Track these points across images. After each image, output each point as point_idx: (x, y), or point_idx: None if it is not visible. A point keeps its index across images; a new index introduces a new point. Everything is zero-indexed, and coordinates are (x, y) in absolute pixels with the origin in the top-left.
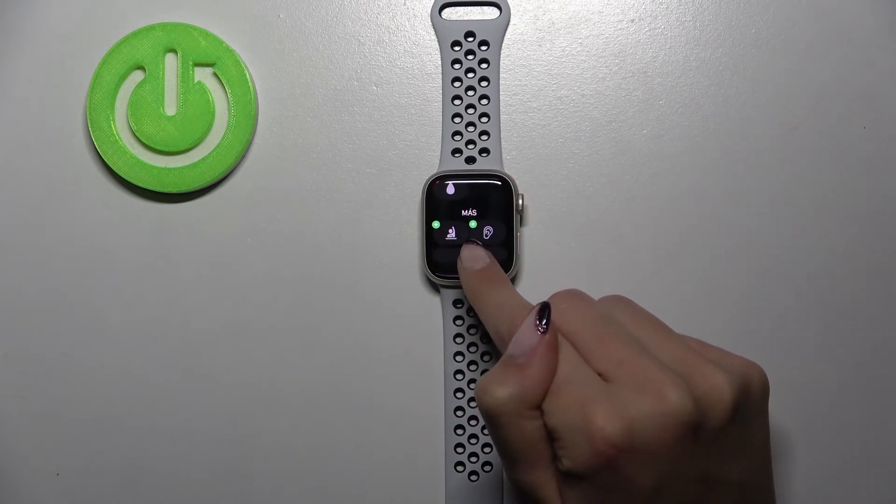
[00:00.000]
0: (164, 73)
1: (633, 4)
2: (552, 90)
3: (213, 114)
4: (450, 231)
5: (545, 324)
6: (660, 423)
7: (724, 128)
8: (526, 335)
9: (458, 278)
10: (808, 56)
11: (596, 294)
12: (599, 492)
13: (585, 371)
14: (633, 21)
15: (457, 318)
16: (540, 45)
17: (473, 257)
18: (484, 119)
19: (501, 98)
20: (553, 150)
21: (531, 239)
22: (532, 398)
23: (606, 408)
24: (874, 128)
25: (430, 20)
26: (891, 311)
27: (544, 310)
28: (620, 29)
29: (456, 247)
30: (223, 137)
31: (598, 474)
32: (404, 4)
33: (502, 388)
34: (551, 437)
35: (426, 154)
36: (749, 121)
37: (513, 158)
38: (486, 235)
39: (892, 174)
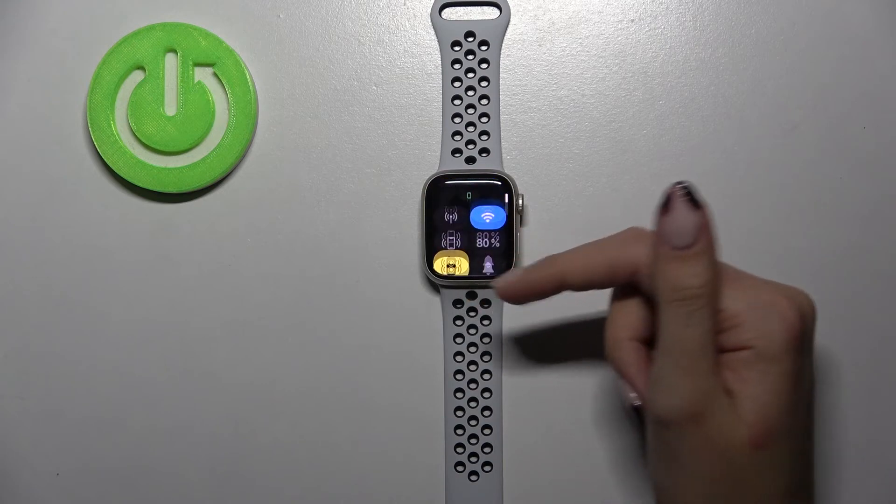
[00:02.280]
0: (164, 73)
1: (633, 4)
2: (552, 90)
3: (213, 114)
4: (450, 231)
5: (695, 199)
6: (812, 316)
7: (724, 128)
8: (686, 218)
9: (457, 278)
10: (808, 56)
11: (595, 294)
12: (785, 377)
13: (735, 268)
14: (633, 21)
15: (457, 318)
16: (540, 45)
17: (510, 274)
18: (484, 119)
19: (501, 98)
20: (553, 150)
21: (531, 239)
22: (720, 281)
23: (785, 294)
24: (874, 128)
25: (430, 20)
26: (891, 311)
27: (686, 188)
28: (620, 29)
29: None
30: (223, 137)
31: (787, 354)
32: (404, 4)
33: (696, 278)
34: (726, 326)
35: (426, 154)
36: (749, 121)
37: (513, 158)
38: (486, 235)
39: (892, 174)
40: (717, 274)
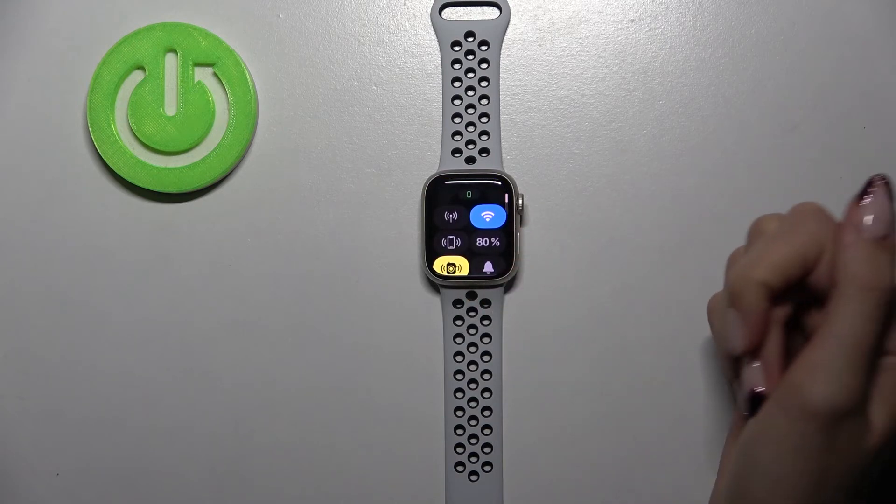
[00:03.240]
0: (164, 73)
1: (633, 4)
2: (552, 90)
3: (213, 114)
4: (449, 231)
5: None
6: None
7: (724, 128)
8: (887, 205)
9: (457, 278)
10: (808, 56)
11: (595, 295)
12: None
13: None
14: (633, 21)
15: (456, 318)
16: (540, 45)
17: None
18: (484, 119)
19: (501, 98)
20: (553, 150)
21: (531, 239)
22: None
23: None
24: (874, 128)
25: (430, 20)
26: None
27: (889, 180)
28: (620, 29)
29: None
30: (223, 137)
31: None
32: (404, 4)
33: (888, 273)
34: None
35: (426, 154)
36: (749, 121)
37: (513, 158)
38: (486, 235)
39: (893, 174)
40: None
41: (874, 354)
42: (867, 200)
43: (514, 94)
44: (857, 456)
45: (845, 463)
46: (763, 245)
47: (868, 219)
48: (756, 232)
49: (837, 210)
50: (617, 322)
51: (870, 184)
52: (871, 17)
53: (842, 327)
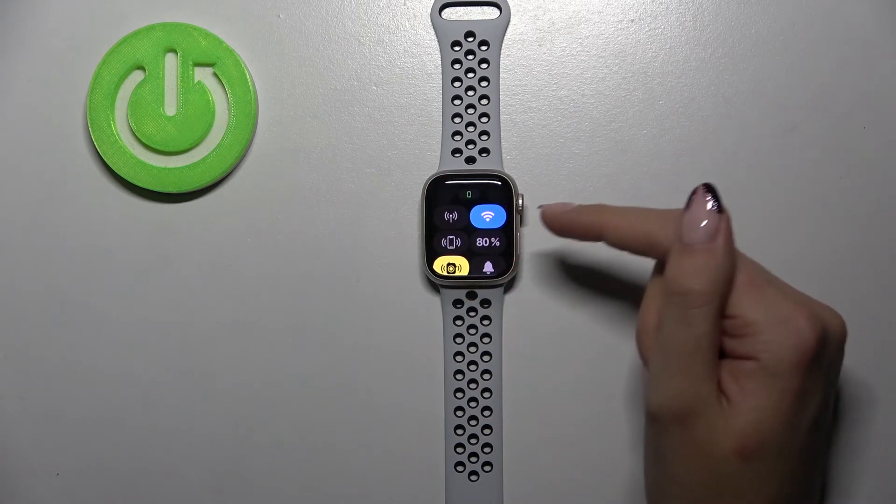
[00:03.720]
0: (164, 73)
1: (633, 4)
2: (552, 90)
3: (213, 114)
4: (449, 231)
5: (718, 203)
6: (838, 337)
7: (724, 128)
8: (701, 216)
9: (457, 278)
10: (808, 56)
11: (595, 295)
12: (787, 395)
13: (769, 274)
14: (633, 21)
15: (456, 318)
16: (540, 45)
17: (562, 206)
18: (484, 119)
19: (501, 98)
20: (553, 150)
21: (531, 239)
22: (727, 286)
23: (808, 310)
24: (874, 128)
25: (430, 20)
26: (891, 311)
27: (711, 189)
28: (620, 29)
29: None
30: (223, 137)
31: (795, 373)
32: (404, 4)
33: (698, 277)
34: (737, 333)
35: (426, 154)
36: (749, 121)
37: (513, 158)
38: (486, 235)
39: (892, 174)
40: (728, 278)
41: (704, 358)
42: (686, 208)
43: (514, 94)
44: (720, 457)
45: (706, 464)
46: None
47: (683, 225)
48: None
49: (838, 210)
50: (617, 322)
51: (693, 192)
52: (871, 17)
53: (663, 334)
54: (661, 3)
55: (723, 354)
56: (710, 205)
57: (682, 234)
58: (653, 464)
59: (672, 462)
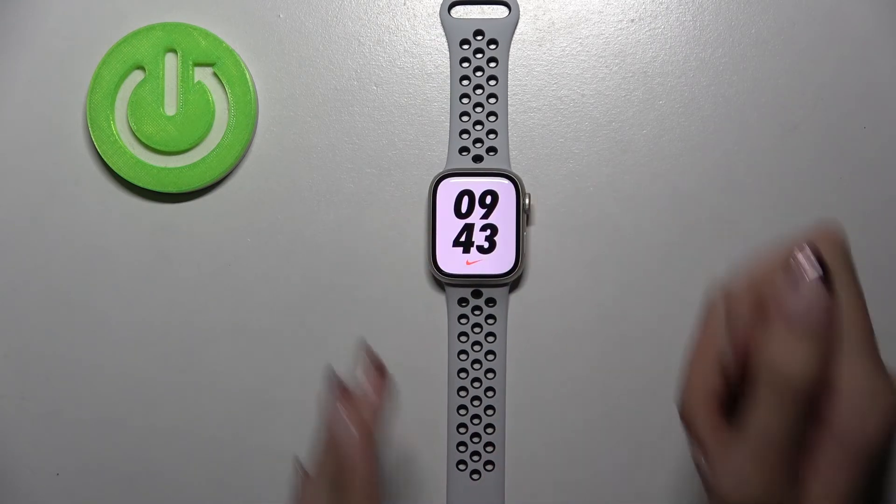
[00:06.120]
0: (164, 73)
1: (633, 4)
2: (552, 90)
3: (213, 114)
4: (456, 228)
5: (831, 282)
6: None
7: (724, 128)
8: (815, 298)
9: (463, 276)
10: (808, 56)
11: (599, 294)
12: (862, 474)
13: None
14: (633, 21)
15: (461, 316)
16: (540, 45)
17: None
18: (492, 118)
19: None
20: (553, 150)
21: (537, 238)
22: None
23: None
24: (874, 128)
25: (438, 18)
26: (891, 311)
27: (825, 264)
28: (620, 29)
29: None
30: (223, 137)
31: (873, 450)
32: (404, 4)
33: (806, 365)
34: (830, 400)
35: (426, 154)
36: (749, 121)
37: (513, 158)
38: (492, 234)
39: (892, 174)
40: (825, 362)
41: (791, 446)
42: (796, 290)
43: (514, 94)
44: None
45: None
46: (687, 368)
47: (793, 309)
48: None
49: (838, 210)
50: (620, 322)
51: (799, 269)
52: (871, 17)
53: (754, 421)
54: (661, 3)
55: None
56: (822, 286)
57: (793, 319)
58: None
59: None
